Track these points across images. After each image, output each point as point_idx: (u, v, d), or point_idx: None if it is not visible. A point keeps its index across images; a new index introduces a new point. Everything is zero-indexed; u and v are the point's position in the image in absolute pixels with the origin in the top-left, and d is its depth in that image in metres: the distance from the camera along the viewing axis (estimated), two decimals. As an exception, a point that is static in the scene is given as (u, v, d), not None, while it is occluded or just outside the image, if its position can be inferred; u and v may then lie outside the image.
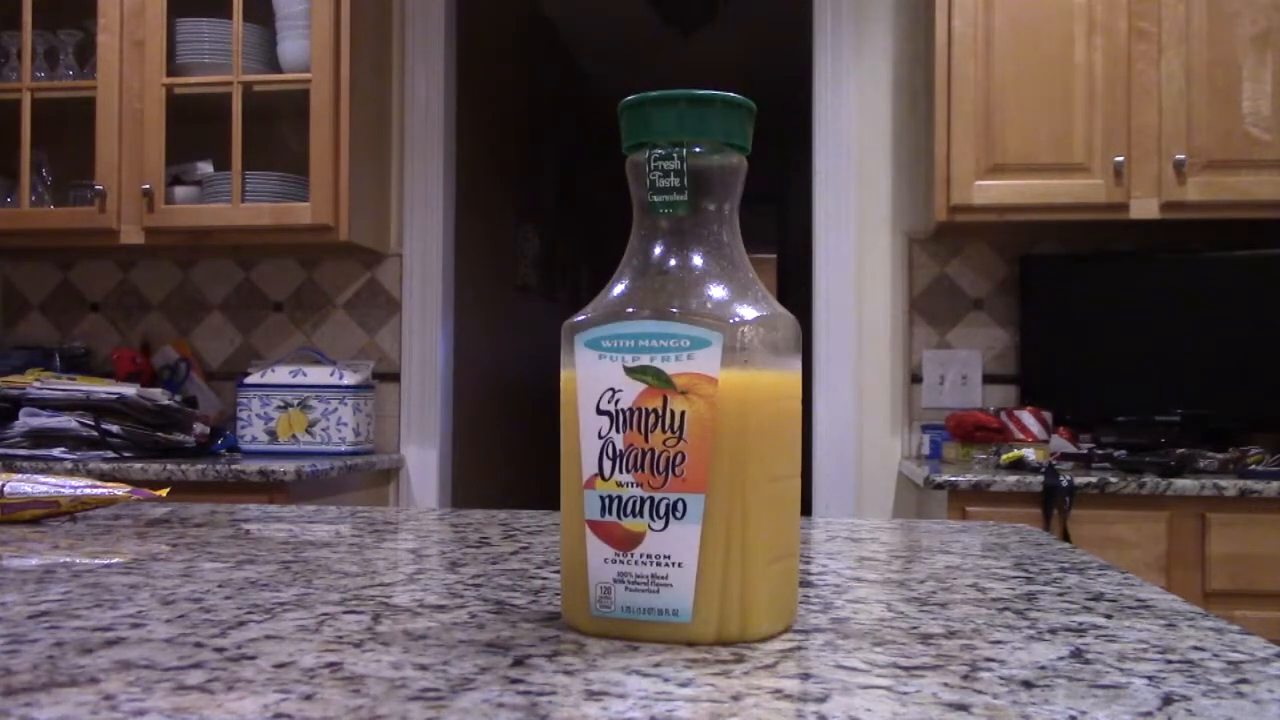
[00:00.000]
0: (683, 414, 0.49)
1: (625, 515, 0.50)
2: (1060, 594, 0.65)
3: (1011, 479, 2.07)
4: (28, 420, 2.31)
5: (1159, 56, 2.32)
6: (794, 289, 6.50)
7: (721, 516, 0.49)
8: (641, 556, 0.49)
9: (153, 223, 2.55)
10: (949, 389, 2.66)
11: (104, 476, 2.14)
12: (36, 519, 0.92)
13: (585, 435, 0.51)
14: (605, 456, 0.50)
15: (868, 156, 2.74)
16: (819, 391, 2.71)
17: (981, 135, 2.36)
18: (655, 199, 0.52)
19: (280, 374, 2.55)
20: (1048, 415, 2.38)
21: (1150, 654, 0.50)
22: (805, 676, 0.45)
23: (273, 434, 2.52)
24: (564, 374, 0.52)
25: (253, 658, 0.47)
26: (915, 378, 2.69)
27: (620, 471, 0.50)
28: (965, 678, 0.45)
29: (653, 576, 0.49)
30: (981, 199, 2.36)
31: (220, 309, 2.92)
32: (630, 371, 0.50)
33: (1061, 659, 0.48)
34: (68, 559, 0.74)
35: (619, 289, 0.52)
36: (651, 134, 0.53)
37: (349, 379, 2.55)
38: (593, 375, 0.50)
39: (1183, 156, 2.30)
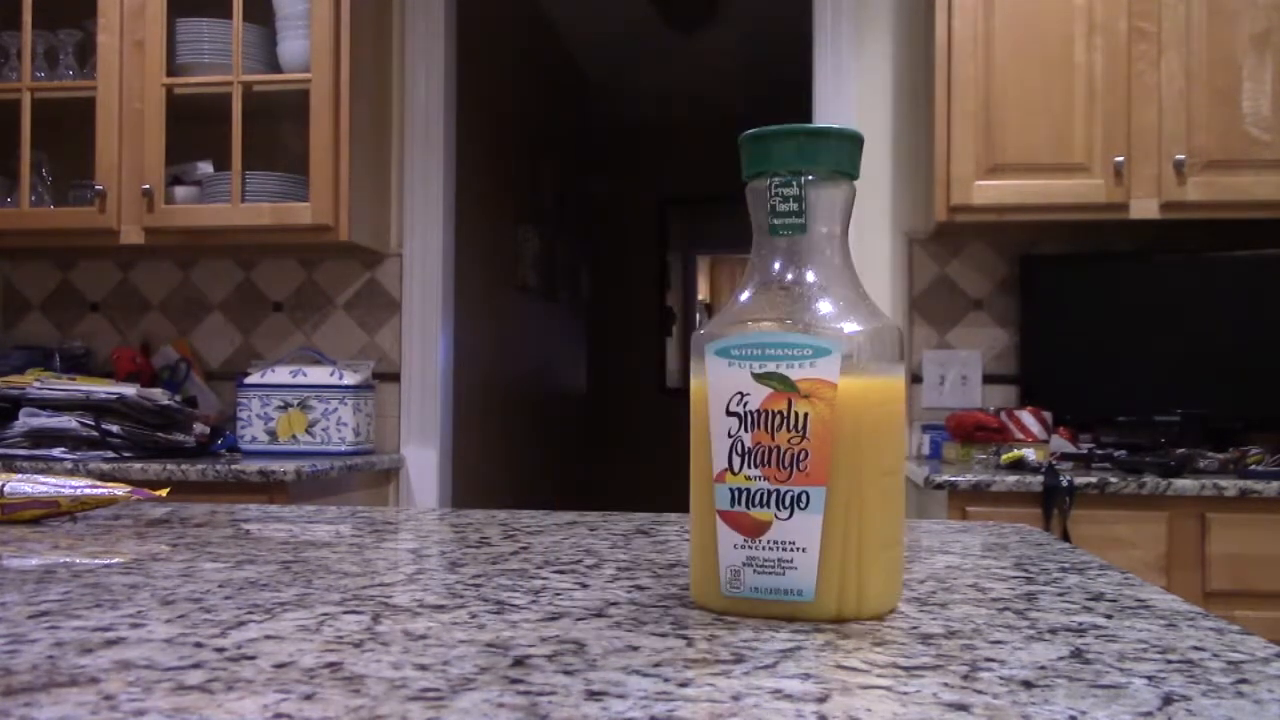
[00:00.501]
0: (806, 415, 0.54)
1: (753, 506, 0.55)
2: (1060, 594, 0.65)
3: (1011, 479, 2.07)
4: (28, 420, 2.31)
5: (1159, 56, 2.32)
6: (794, 289, 6.49)
7: (840, 507, 0.55)
8: (769, 543, 0.55)
9: (153, 223, 2.55)
10: (949, 389, 2.66)
11: (104, 476, 2.14)
12: (36, 519, 0.92)
13: (715, 434, 0.56)
14: (734, 453, 0.56)
15: (868, 156, 2.74)
16: (819, 391, 2.70)
17: (981, 135, 2.36)
18: (776, 222, 0.58)
19: (280, 374, 2.55)
20: (1048, 415, 2.38)
21: (1150, 654, 0.50)
22: (805, 676, 0.45)
23: (273, 434, 2.52)
24: (694, 381, 0.58)
25: (253, 658, 0.47)
26: (915, 378, 2.69)
27: (749, 466, 0.55)
28: (965, 678, 0.45)
29: (779, 560, 0.55)
30: (981, 199, 2.36)
31: (220, 309, 2.91)
32: (758, 377, 0.55)
33: (1061, 659, 0.48)
34: (68, 559, 0.74)
35: (744, 303, 0.58)
36: (772, 164, 0.58)
37: (349, 379, 2.55)
38: (722, 380, 0.56)
39: (1183, 156, 2.30)
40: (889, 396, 0.57)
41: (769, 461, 0.55)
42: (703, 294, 7.78)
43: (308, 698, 0.41)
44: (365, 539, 0.86)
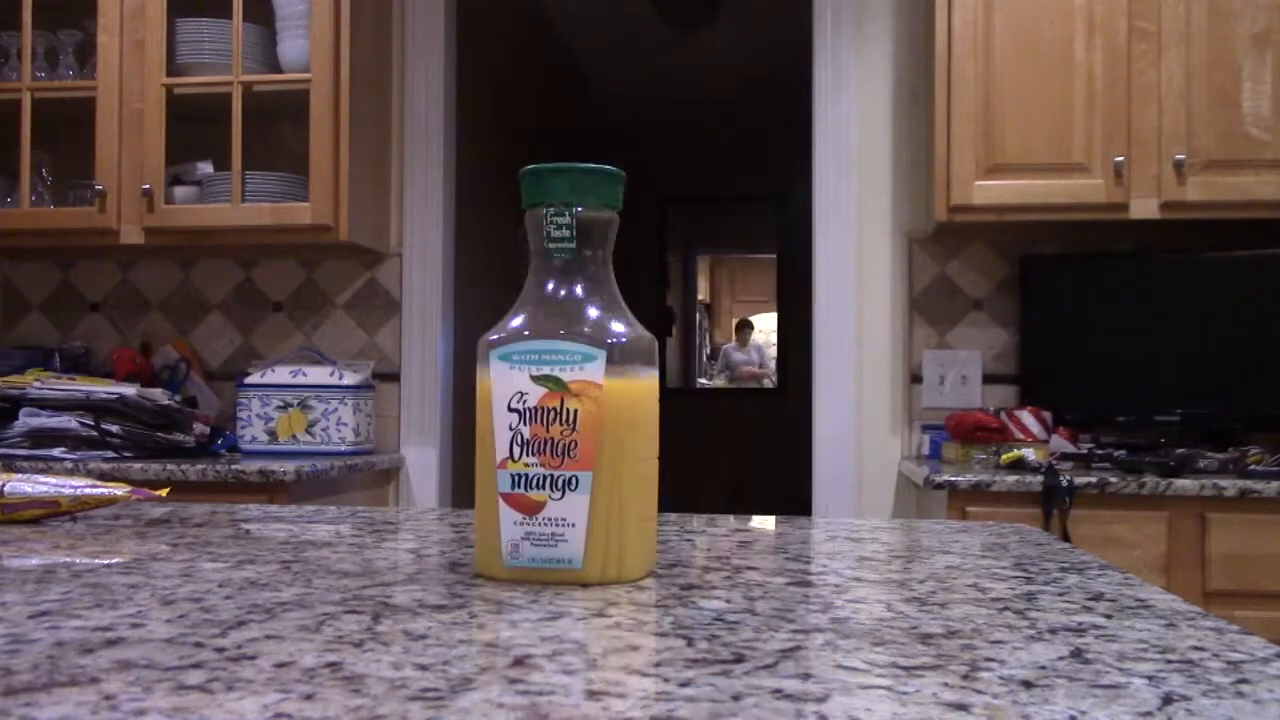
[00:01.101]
0: (576, 411, 0.64)
1: (531, 488, 0.65)
2: (1060, 594, 0.65)
3: (1011, 479, 2.07)
4: (28, 420, 2.31)
5: (1159, 56, 2.32)
6: (794, 289, 6.50)
7: (604, 488, 0.64)
8: (544, 519, 0.64)
9: (153, 223, 2.55)
10: (949, 389, 2.66)
11: (104, 476, 2.14)
12: (36, 519, 0.92)
13: (498, 428, 0.65)
14: (515, 444, 0.65)
15: (868, 156, 2.74)
16: (819, 391, 2.71)
17: (981, 135, 2.36)
18: (551, 246, 0.67)
19: (280, 374, 2.55)
20: (1048, 415, 2.38)
21: (1150, 654, 0.50)
22: (805, 676, 0.45)
23: (273, 434, 2.52)
24: (479, 381, 0.67)
25: (253, 658, 0.47)
26: (915, 378, 2.69)
27: (527, 455, 0.65)
28: (965, 678, 0.45)
29: (553, 535, 0.64)
30: (981, 199, 2.36)
31: (220, 309, 2.91)
32: (535, 379, 0.65)
33: (1061, 659, 0.48)
34: (68, 559, 0.74)
35: (523, 314, 0.67)
36: (548, 196, 0.67)
37: (349, 379, 2.55)
38: (504, 381, 0.65)
39: (1183, 156, 2.30)
40: (645, 395, 0.67)
41: (544, 450, 0.64)
42: (703, 294, 7.78)
43: (308, 698, 0.41)
44: (365, 539, 0.86)
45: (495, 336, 0.66)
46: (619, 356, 0.65)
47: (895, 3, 2.74)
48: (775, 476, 6.37)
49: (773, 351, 7.16)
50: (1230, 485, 2.01)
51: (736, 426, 6.72)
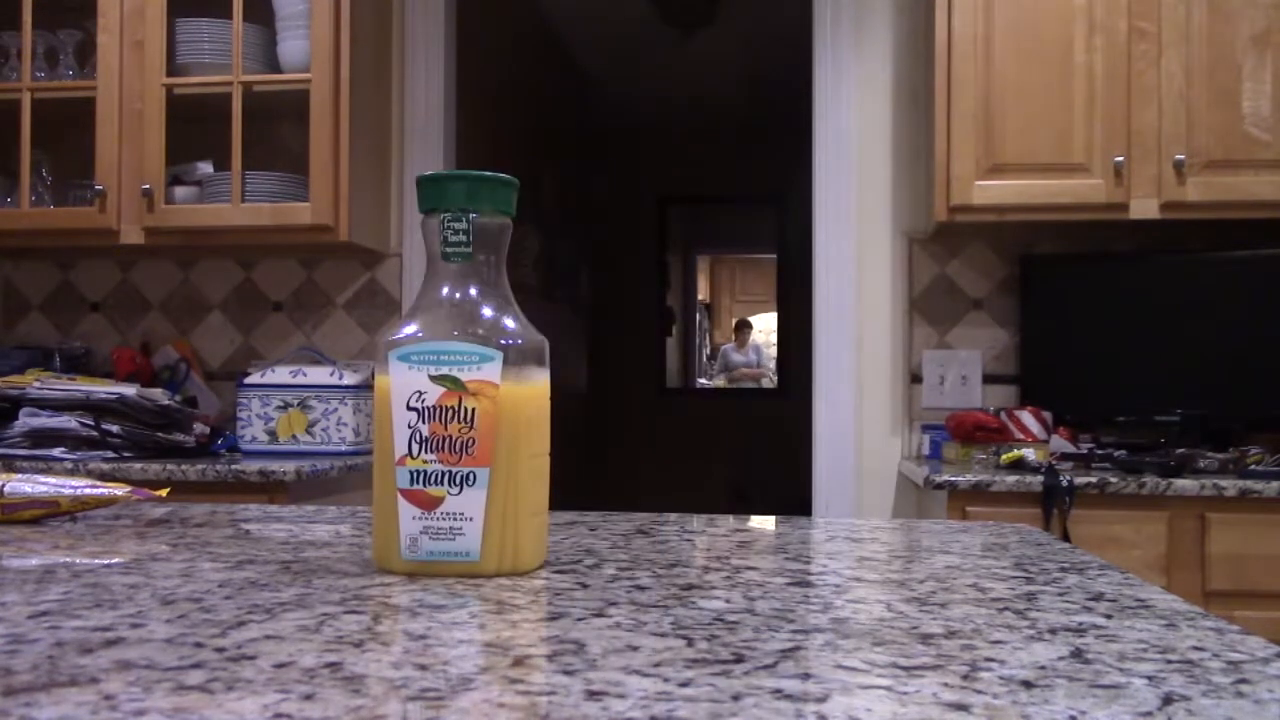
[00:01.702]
0: (474, 410, 0.66)
1: (430, 484, 0.67)
2: (1060, 594, 0.65)
3: (1011, 479, 2.07)
4: (28, 420, 2.31)
5: (1159, 56, 2.32)
6: (794, 289, 6.50)
7: (500, 484, 0.67)
8: (442, 514, 0.67)
9: (153, 223, 2.55)
10: (949, 389, 2.66)
11: (104, 476, 2.14)
12: (36, 519, 0.92)
13: (397, 426, 0.67)
14: (414, 441, 0.67)
15: (868, 156, 2.74)
16: (819, 391, 2.71)
17: (981, 135, 2.36)
18: (448, 250, 0.69)
19: (280, 374, 2.55)
20: (1048, 415, 2.38)
21: (1150, 654, 0.50)
22: (805, 676, 0.45)
23: (273, 434, 2.52)
24: (379, 380, 0.69)
25: (253, 658, 0.47)
26: (915, 378, 2.69)
27: (426, 452, 0.67)
28: (965, 678, 0.45)
29: (451, 529, 0.67)
30: (981, 199, 2.36)
31: (220, 309, 2.91)
32: (434, 378, 0.67)
33: (1061, 659, 0.48)
34: (68, 559, 0.74)
35: (421, 317, 0.69)
36: (445, 202, 0.69)
37: (349, 379, 2.55)
38: (404, 381, 0.67)
39: (1183, 156, 2.30)
40: (538, 394, 0.70)
41: (443, 448, 0.66)
42: (703, 294, 7.78)
43: (308, 698, 0.41)
44: (365, 539, 0.86)
45: (394, 337, 0.68)
46: (515, 358, 0.68)
47: (895, 3, 2.74)
48: (775, 476, 6.37)
49: (772, 352, 7.16)
50: (1230, 485, 2.01)
51: (736, 426, 6.72)
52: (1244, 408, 2.42)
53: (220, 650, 0.48)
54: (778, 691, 0.43)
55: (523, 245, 4.46)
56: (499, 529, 0.67)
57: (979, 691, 0.43)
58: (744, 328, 7.49)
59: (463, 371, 0.66)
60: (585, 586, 0.65)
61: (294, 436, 2.52)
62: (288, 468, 2.20)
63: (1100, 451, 2.28)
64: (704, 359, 7.58)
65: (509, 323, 0.69)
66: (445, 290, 0.70)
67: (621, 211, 6.77)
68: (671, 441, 6.73)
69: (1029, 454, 2.19)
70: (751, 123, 6.50)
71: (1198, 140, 2.31)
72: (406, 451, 0.67)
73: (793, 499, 4.43)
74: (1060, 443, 2.39)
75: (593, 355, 6.56)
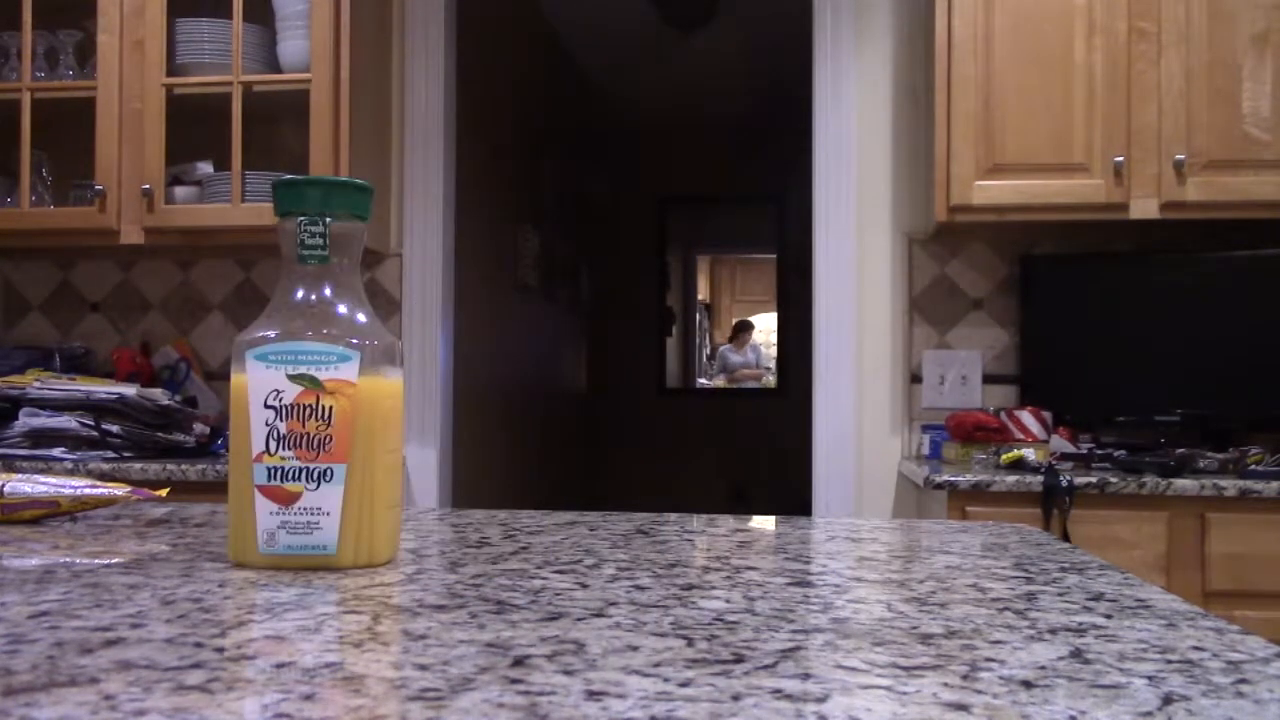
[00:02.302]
0: (331, 408, 0.69)
1: (287, 480, 0.69)
2: (1060, 594, 0.65)
3: (1011, 479, 2.07)
4: (28, 420, 2.31)
5: (1159, 56, 2.32)
6: (794, 289, 6.50)
7: (357, 479, 0.69)
8: (299, 509, 0.69)
9: (153, 223, 2.55)
10: (949, 389, 2.66)
11: (104, 476, 2.14)
12: (36, 519, 0.92)
13: (254, 423, 0.69)
14: (271, 439, 0.69)
15: (868, 156, 2.74)
16: (819, 391, 2.71)
17: (981, 135, 2.36)
18: (304, 253, 0.71)
19: (280, 374, 2.55)
20: (1048, 415, 2.38)
21: (1150, 654, 0.50)
22: (805, 676, 0.45)
23: (273, 434, 2.52)
24: (234, 379, 0.70)
25: (253, 658, 0.47)
26: (915, 378, 2.69)
27: (284, 449, 0.68)
28: (965, 678, 0.45)
29: (308, 523, 0.69)
30: (981, 199, 2.36)
31: (220, 309, 2.91)
32: (292, 377, 0.69)
33: (1061, 659, 0.48)
34: (68, 559, 0.74)
35: (278, 317, 0.70)
36: (302, 205, 0.71)
37: (349, 379, 2.55)
38: (261, 380, 0.69)
39: (1183, 156, 2.30)
40: (393, 393, 0.72)
41: (300, 445, 0.68)
42: (703, 294, 7.78)
43: (308, 698, 0.41)
44: (365, 539, 0.86)
45: (250, 337, 0.70)
46: (370, 357, 0.70)
47: (895, 3, 2.74)
48: (775, 476, 6.37)
49: (771, 352, 7.16)
50: (1230, 485, 2.01)
51: (736, 426, 6.72)
52: (1244, 408, 2.42)
53: (220, 650, 0.48)
54: (778, 691, 0.43)
55: (523, 245, 4.46)
56: (356, 523, 0.69)
57: (979, 691, 0.43)
58: (743, 329, 7.49)
59: (320, 371, 0.69)
60: (585, 586, 0.65)
61: (294, 436, 2.52)
62: (288, 468, 2.20)
63: (1100, 451, 2.28)
64: (704, 359, 7.58)
65: (365, 323, 0.72)
66: (301, 292, 0.72)
67: (621, 211, 6.77)
68: (671, 441, 6.73)
69: (1029, 454, 2.19)
70: (751, 123, 6.50)
71: (1198, 140, 2.31)
72: (264, 448, 0.68)
73: (793, 499, 4.43)
74: (1060, 443, 2.39)
75: (593, 355, 6.56)
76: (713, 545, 0.86)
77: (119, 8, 2.56)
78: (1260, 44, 2.30)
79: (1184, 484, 2.02)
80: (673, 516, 1.03)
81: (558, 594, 0.62)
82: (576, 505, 5.59)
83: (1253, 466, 2.11)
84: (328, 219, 0.71)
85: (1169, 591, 0.66)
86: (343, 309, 0.71)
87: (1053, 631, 0.54)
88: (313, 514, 0.69)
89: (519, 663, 0.46)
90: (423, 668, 0.45)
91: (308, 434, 0.68)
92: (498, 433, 4.11)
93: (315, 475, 0.68)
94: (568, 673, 0.45)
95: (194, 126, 2.64)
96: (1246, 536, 2.01)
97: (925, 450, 2.60)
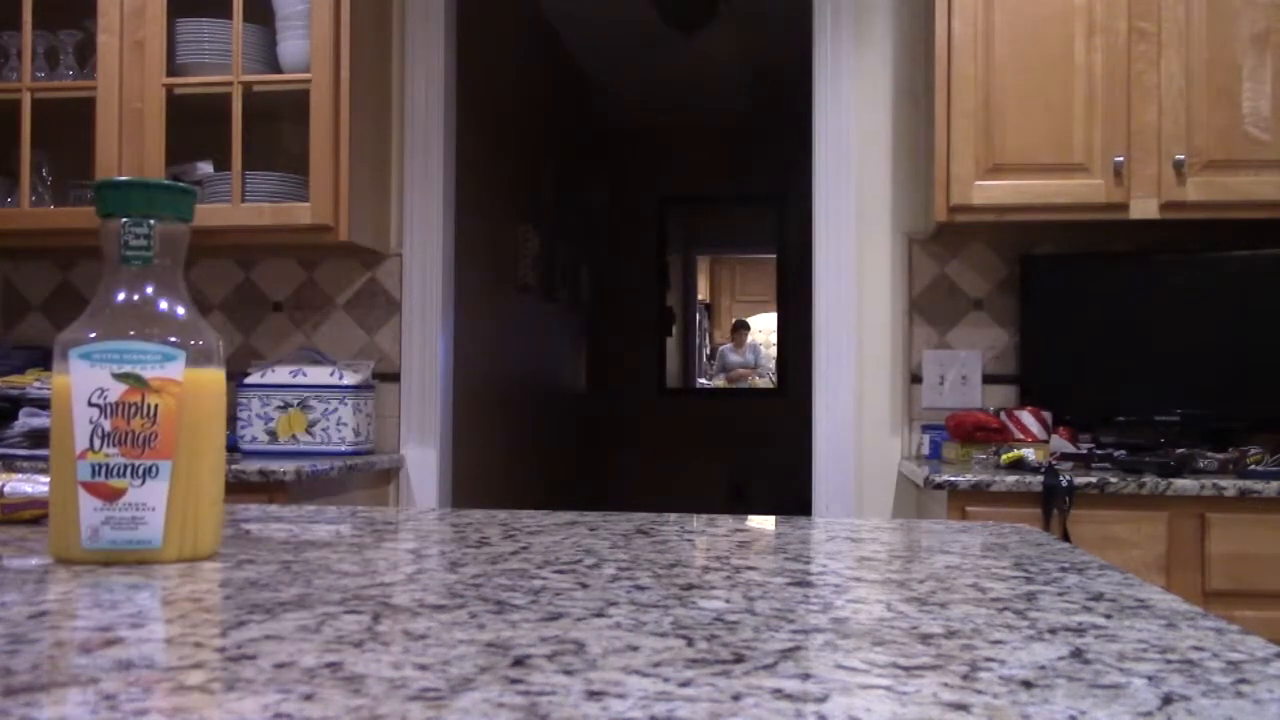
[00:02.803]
0: (156, 406, 0.70)
1: (112, 476, 0.70)
2: (1060, 594, 0.65)
3: (1011, 479, 2.07)
4: (28, 420, 2.31)
5: (1159, 56, 2.32)
6: (794, 289, 6.50)
7: (182, 475, 0.71)
8: (124, 505, 0.70)
9: (153, 223, 2.54)
10: (949, 389, 2.66)
11: (104, 476, 2.14)
12: (36, 519, 0.92)
13: (78, 421, 0.70)
14: (96, 436, 0.70)
15: (868, 156, 2.74)
16: (819, 391, 2.71)
17: (981, 135, 2.36)
18: (128, 254, 0.73)
19: (280, 374, 2.55)
20: (1048, 415, 2.38)
21: (1150, 654, 0.50)
22: (805, 676, 0.45)
23: (273, 434, 2.52)
24: (56, 378, 0.71)
25: (253, 658, 0.47)
26: (915, 378, 2.69)
27: (108, 446, 0.70)
28: (965, 678, 0.45)
29: (133, 518, 0.70)
30: (981, 199, 2.36)
31: (220, 309, 2.91)
32: (117, 376, 0.70)
33: (1061, 659, 0.48)
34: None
35: (102, 317, 0.72)
36: (126, 207, 0.74)
37: (349, 379, 2.55)
38: (85, 378, 0.70)
39: (1182, 156, 2.30)
40: (216, 391, 0.75)
41: (125, 442, 0.70)
42: (703, 294, 7.78)
43: (308, 698, 0.41)
44: (365, 539, 0.86)
45: (73, 336, 0.71)
46: (195, 357, 0.72)
47: (895, 3, 2.74)
48: (775, 476, 6.37)
49: (770, 352, 7.16)
50: (1230, 485, 2.01)
51: (736, 426, 6.72)
52: (1244, 408, 2.42)
53: (220, 650, 0.48)
54: (778, 691, 0.43)
55: (523, 245, 4.46)
56: (180, 518, 0.71)
57: (979, 691, 0.43)
58: (741, 328, 7.50)
59: (146, 369, 0.70)
60: (585, 586, 0.65)
61: (294, 436, 2.52)
62: (288, 468, 2.20)
63: (1100, 451, 2.28)
64: (704, 359, 7.59)
65: (189, 323, 0.74)
66: (124, 292, 0.73)
67: (621, 211, 6.77)
68: (671, 441, 6.73)
69: (1029, 454, 2.19)
70: (751, 123, 6.50)
71: (1198, 140, 2.31)
72: (88, 445, 0.70)
73: (793, 499, 4.43)
74: (1060, 443, 2.39)
75: (593, 355, 6.56)
76: (713, 545, 0.86)
77: (119, 8, 2.56)
78: (1260, 44, 2.30)
79: (1184, 484, 2.02)
80: (673, 516, 1.03)
81: (558, 594, 0.62)
82: (576, 505, 5.59)
83: (1253, 466, 2.11)
84: (151, 221, 0.73)
85: (1169, 591, 0.66)
86: (166, 308, 0.73)
87: (1053, 631, 0.54)
88: (138, 509, 0.70)
89: (519, 663, 0.46)
90: (423, 667, 0.45)
91: (133, 431, 0.70)
92: (498, 433, 4.11)
93: (140, 472, 0.70)
94: (568, 673, 0.45)
95: (194, 126, 2.64)
96: (1246, 536, 2.01)
97: (925, 450, 2.60)
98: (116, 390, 0.70)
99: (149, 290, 0.73)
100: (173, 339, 0.72)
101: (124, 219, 0.73)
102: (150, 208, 0.73)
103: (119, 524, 0.70)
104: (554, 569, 0.71)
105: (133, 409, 0.70)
